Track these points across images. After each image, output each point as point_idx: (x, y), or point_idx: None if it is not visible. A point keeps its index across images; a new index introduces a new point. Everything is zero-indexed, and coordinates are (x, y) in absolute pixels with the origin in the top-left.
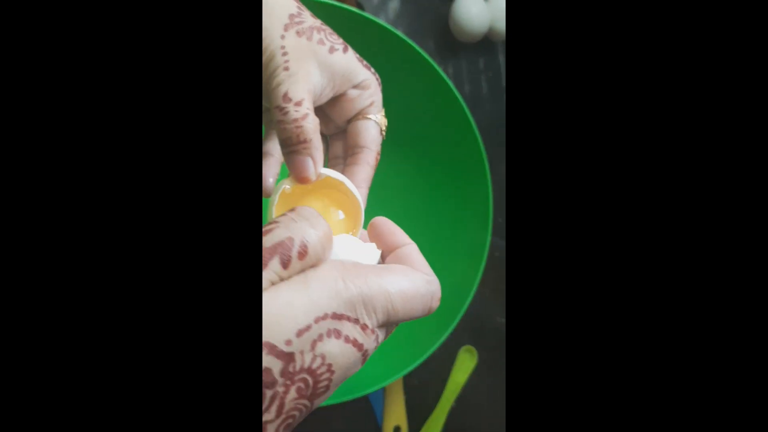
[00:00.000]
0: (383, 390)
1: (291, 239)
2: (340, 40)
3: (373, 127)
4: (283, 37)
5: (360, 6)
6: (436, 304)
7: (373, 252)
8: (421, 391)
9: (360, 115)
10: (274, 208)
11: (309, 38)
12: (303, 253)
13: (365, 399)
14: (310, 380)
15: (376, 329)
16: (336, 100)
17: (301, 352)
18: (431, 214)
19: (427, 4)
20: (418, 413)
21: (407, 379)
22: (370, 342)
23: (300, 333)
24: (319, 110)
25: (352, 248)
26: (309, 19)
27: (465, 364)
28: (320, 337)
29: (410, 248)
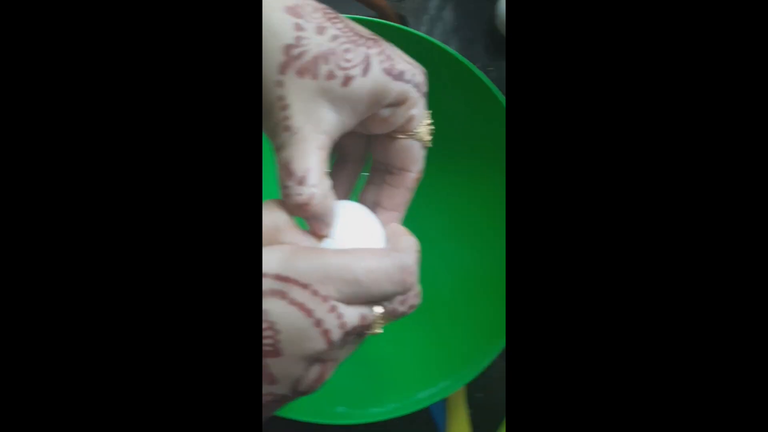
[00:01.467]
0: (445, 405)
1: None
2: (359, 57)
3: (412, 147)
4: (280, 83)
5: (402, 19)
6: (410, 278)
7: (377, 232)
8: (485, 404)
9: (398, 132)
10: None
11: (314, 76)
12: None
13: (428, 414)
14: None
15: (337, 303)
16: (368, 120)
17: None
18: (477, 220)
19: (472, 6)
20: (483, 429)
21: (471, 393)
22: (323, 311)
23: None
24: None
25: (357, 220)
26: (313, 42)
27: None
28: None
29: (393, 226)
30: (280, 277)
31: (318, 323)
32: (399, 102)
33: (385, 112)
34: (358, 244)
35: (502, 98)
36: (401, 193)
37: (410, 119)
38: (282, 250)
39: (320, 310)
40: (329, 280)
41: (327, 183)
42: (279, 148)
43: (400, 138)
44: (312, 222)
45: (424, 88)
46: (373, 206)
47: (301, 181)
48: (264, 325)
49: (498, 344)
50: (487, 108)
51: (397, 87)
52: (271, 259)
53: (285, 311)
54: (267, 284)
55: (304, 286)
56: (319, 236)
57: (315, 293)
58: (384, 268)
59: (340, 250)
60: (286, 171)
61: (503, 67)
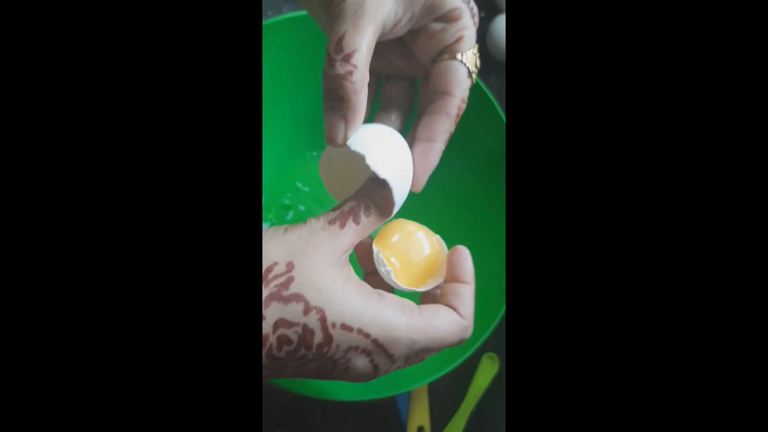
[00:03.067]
0: (409, 392)
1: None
2: None
3: (457, 69)
4: None
5: None
6: (461, 343)
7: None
8: (445, 394)
9: (445, 53)
10: None
11: None
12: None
13: (392, 400)
14: (329, 363)
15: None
16: (416, 33)
17: (337, 345)
18: (466, 221)
19: None
20: (440, 415)
21: (431, 383)
22: (388, 368)
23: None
24: (402, 45)
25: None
26: None
27: (487, 370)
28: (353, 349)
29: (466, 288)
30: (377, 343)
31: (376, 373)
32: (451, 18)
33: (436, 26)
34: (392, 168)
35: (500, 109)
36: (440, 119)
37: (459, 39)
38: (393, 310)
39: (387, 368)
40: (412, 351)
41: (367, 73)
42: (336, 17)
43: (446, 59)
44: (340, 108)
45: (477, 19)
46: (410, 141)
47: (347, 58)
48: (341, 362)
49: (469, 347)
50: (484, 117)
51: (453, 0)
52: (382, 317)
53: (362, 364)
54: (360, 342)
55: (390, 356)
56: (329, 139)
57: (394, 362)
58: (452, 336)
59: (427, 315)
60: (336, 44)
61: (489, 82)
